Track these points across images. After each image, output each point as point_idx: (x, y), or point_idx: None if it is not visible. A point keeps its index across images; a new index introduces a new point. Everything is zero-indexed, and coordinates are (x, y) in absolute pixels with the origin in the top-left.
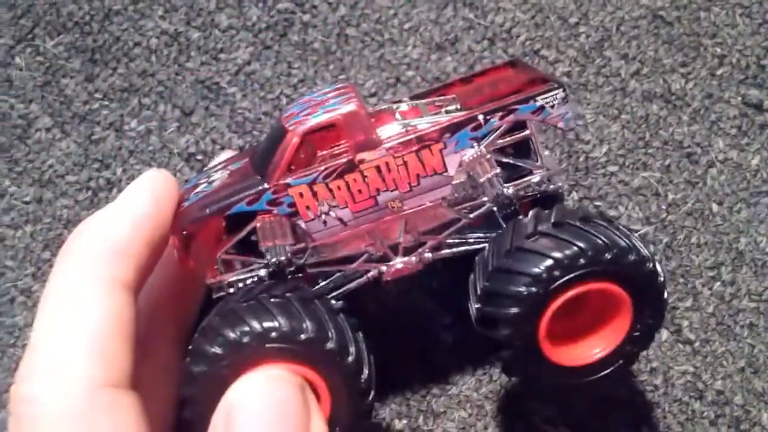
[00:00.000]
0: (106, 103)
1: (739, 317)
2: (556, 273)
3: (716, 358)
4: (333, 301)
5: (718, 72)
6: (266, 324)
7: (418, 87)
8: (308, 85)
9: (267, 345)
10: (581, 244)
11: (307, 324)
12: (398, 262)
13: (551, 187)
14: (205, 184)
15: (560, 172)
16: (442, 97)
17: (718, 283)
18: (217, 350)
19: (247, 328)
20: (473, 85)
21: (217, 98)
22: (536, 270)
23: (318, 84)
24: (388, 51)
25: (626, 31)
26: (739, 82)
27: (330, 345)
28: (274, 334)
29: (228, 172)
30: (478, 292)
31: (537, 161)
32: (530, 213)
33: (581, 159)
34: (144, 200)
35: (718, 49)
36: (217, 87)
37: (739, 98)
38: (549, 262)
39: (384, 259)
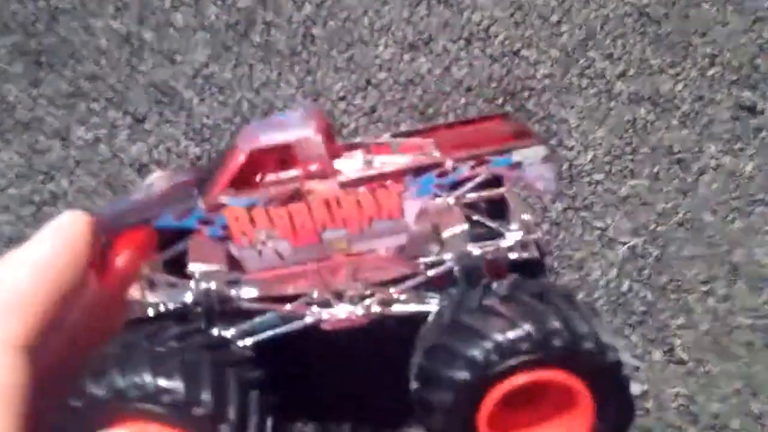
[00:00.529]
0: (52, 109)
1: (734, 335)
2: (494, 358)
3: (711, 379)
4: (240, 349)
5: (709, 73)
6: (131, 380)
7: (390, 89)
8: (271, 88)
9: (129, 404)
10: (527, 326)
11: (178, 384)
12: (341, 311)
13: (523, 255)
14: (142, 192)
15: (534, 240)
16: (418, 140)
17: (712, 299)
18: (77, 403)
19: (108, 384)
20: (456, 131)
21: (172, 103)
22: (472, 352)
23: (284, 94)
24: (358, 52)
25: (611, 29)
26: (731, 84)
27: (199, 410)
28: (136, 392)
29: (171, 182)
30: (415, 369)
31: (510, 224)
32: (484, 281)
33: (565, 167)
34: (48, 246)
35: (709, 49)
36: (172, 91)
37: (732, 101)
38: (487, 344)
39: (326, 305)
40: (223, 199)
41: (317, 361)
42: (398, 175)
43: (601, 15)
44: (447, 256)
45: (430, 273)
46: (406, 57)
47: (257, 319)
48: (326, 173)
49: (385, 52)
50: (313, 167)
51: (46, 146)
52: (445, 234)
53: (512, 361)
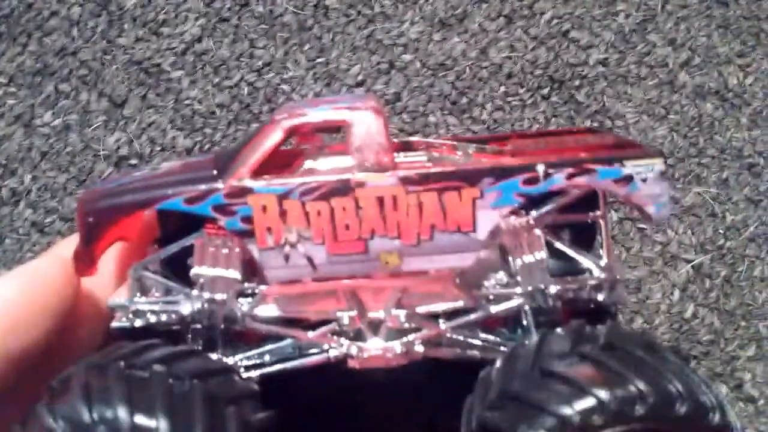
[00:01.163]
0: (13, 89)
1: None
2: (597, 420)
3: None
4: (243, 382)
5: None
6: (100, 414)
7: (417, 74)
8: (276, 69)
9: None
10: (642, 384)
11: (160, 424)
12: (374, 347)
13: (610, 298)
14: (147, 171)
15: (623, 281)
16: (489, 146)
17: None
18: None
19: (69, 416)
20: (533, 140)
21: (157, 84)
22: (566, 410)
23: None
24: (380, 28)
25: (673, 10)
26: None
27: None
28: (104, 430)
29: (183, 162)
30: (473, 424)
31: (601, 258)
32: (570, 324)
33: None
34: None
35: None
36: (157, 70)
37: None
38: (589, 401)
39: (357, 337)
40: (250, 182)
41: (331, 399)
42: (474, 177)
43: None
44: (517, 289)
45: (494, 309)
46: (437, 36)
47: (270, 346)
48: (384, 164)
49: (411, 29)
50: (369, 155)
51: (6, 133)
52: (519, 261)
53: (619, 428)
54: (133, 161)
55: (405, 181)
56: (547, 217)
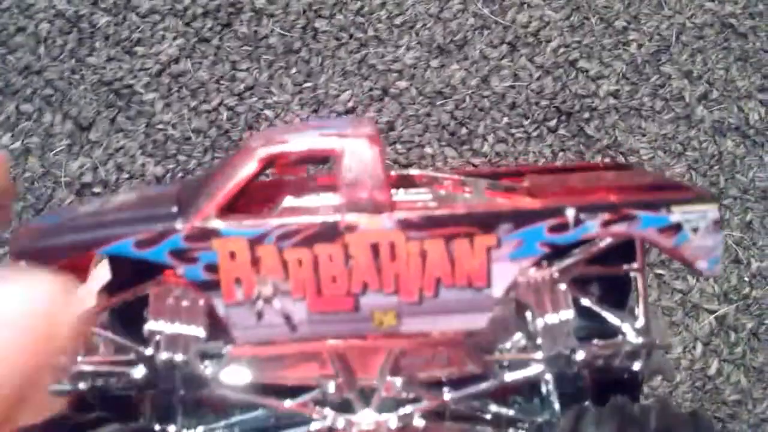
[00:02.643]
0: None
1: None
2: None
3: None
4: None
5: None
6: None
7: (412, 102)
8: (259, 93)
9: None
10: None
11: None
12: (365, 420)
13: (648, 367)
14: (96, 206)
15: (665, 346)
16: (504, 183)
17: None
18: None
19: None
20: (553, 176)
21: (128, 107)
22: None
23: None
24: (373, 53)
25: (689, 41)
26: None
27: None
28: None
29: (141, 193)
30: None
31: (636, 319)
32: (612, 402)
33: None
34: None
35: None
36: (129, 92)
37: None
38: None
39: (344, 408)
40: (216, 223)
41: None
42: (490, 222)
43: (676, 23)
44: (537, 354)
45: (509, 377)
46: (434, 63)
47: (239, 417)
48: (379, 203)
49: (407, 55)
50: (362, 193)
51: None
52: (541, 322)
53: None
54: (97, 189)
55: (405, 224)
56: (573, 269)
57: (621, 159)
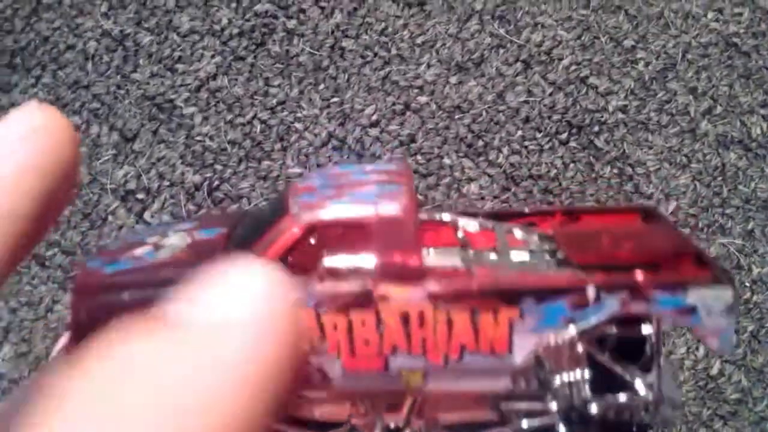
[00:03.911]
0: None
1: None
2: None
3: None
4: None
5: None
6: None
7: (432, 116)
8: (289, 107)
9: None
10: None
11: None
12: None
13: (654, 419)
14: (149, 249)
15: (676, 406)
16: (532, 227)
17: None
18: None
19: None
20: (581, 225)
21: (169, 120)
22: None
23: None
24: (396, 70)
25: (694, 59)
26: None
27: None
28: None
29: (190, 240)
30: None
31: (649, 376)
32: None
33: None
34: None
35: None
36: (170, 106)
37: None
38: None
39: None
40: None
41: None
42: (513, 297)
43: (682, 42)
44: (552, 405)
45: (525, 425)
46: (453, 79)
47: None
48: (412, 275)
49: (427, 72)
50: (395, 260)
51: None
52: (557, 379)
53: None
54: (140, 195)
55: (434, 297)
56: (592, 332)
57: (629, 170)
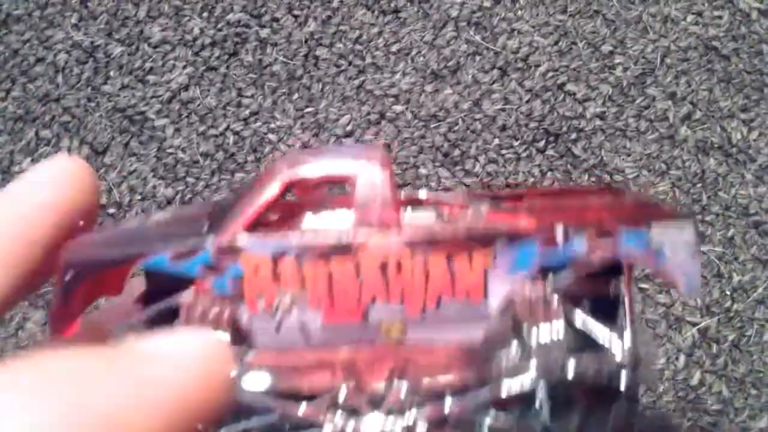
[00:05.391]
0: None
1: None
2: None
3: None
4: None
5: None
6: None
7: (408, 126)
8: (263, 118)
9: None
10: None
11: None
12: (374, 425)
13: (632, 380)
14: (138, 222)
15: (651, 363)
16: (505, 206)
17: None
18: None
19: None
20: (550, 200)
21: (140, 132)
22: None
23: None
24: (370, 79)
25: (673, 64)
26: None
27: None
28: None
29: (176, 213)
30: None
31: (623, 333)
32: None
33: None
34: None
35: None
36: (141, 118)
37: None
38: None
39: (354, 412)
40: (242, 240)
41: None
42: (487, 241)
43: (660, 46)
44: (532, 365)
45: (506, 385)
46: (429, 87)
47: (256, 420)
48: (389, 224)
49: (403, 80)
50: (373, 214)
51: None
52: (534, 337)
53: None
54: (111, 210)
55: (412, 244)
56: (565, 286)
57: (607, 177)
